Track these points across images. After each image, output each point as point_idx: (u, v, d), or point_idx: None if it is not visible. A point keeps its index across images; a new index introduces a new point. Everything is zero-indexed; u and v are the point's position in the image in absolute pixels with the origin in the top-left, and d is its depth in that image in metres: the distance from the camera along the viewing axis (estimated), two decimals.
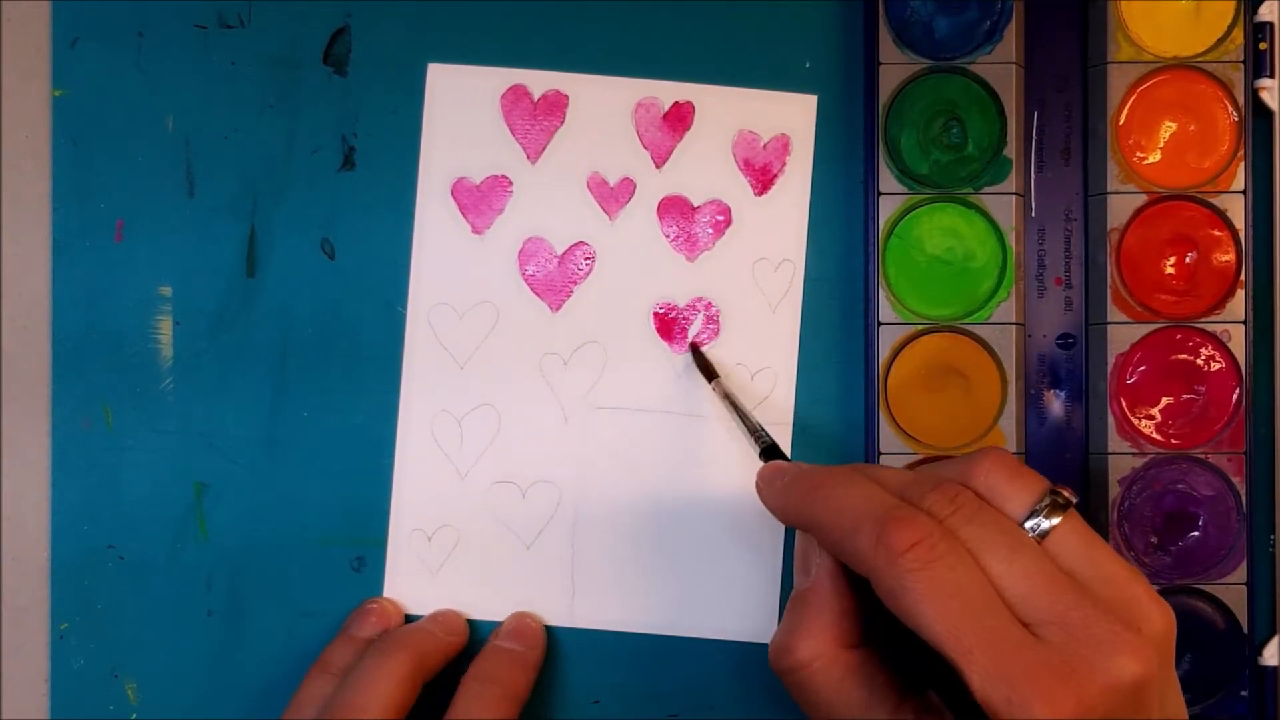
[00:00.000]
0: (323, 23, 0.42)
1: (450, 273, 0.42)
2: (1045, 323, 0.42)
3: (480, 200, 0.42)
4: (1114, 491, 0.40)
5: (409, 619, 0.42)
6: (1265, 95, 0.40)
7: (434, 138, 0.42)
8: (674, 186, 0.42)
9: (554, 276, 0.42)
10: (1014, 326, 0.40)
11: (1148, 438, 0.40)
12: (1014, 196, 0.40)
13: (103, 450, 0.42)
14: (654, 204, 0.42)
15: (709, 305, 0.42)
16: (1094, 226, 0.41)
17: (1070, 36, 0.42)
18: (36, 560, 0.42)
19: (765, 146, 0.42)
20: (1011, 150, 0.40)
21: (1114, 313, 0.40)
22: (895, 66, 0.40)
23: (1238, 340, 0.40)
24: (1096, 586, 0.30)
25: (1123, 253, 0.40)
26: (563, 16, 0.42)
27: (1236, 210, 0.40)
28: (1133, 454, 0.40)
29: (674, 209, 0.42)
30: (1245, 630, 0.40)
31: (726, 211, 0.42)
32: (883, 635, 0.33)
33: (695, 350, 0.41)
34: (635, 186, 0.42)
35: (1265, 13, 0.40)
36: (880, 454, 0.40)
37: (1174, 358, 0.40)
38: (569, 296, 0.42)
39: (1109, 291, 0.40)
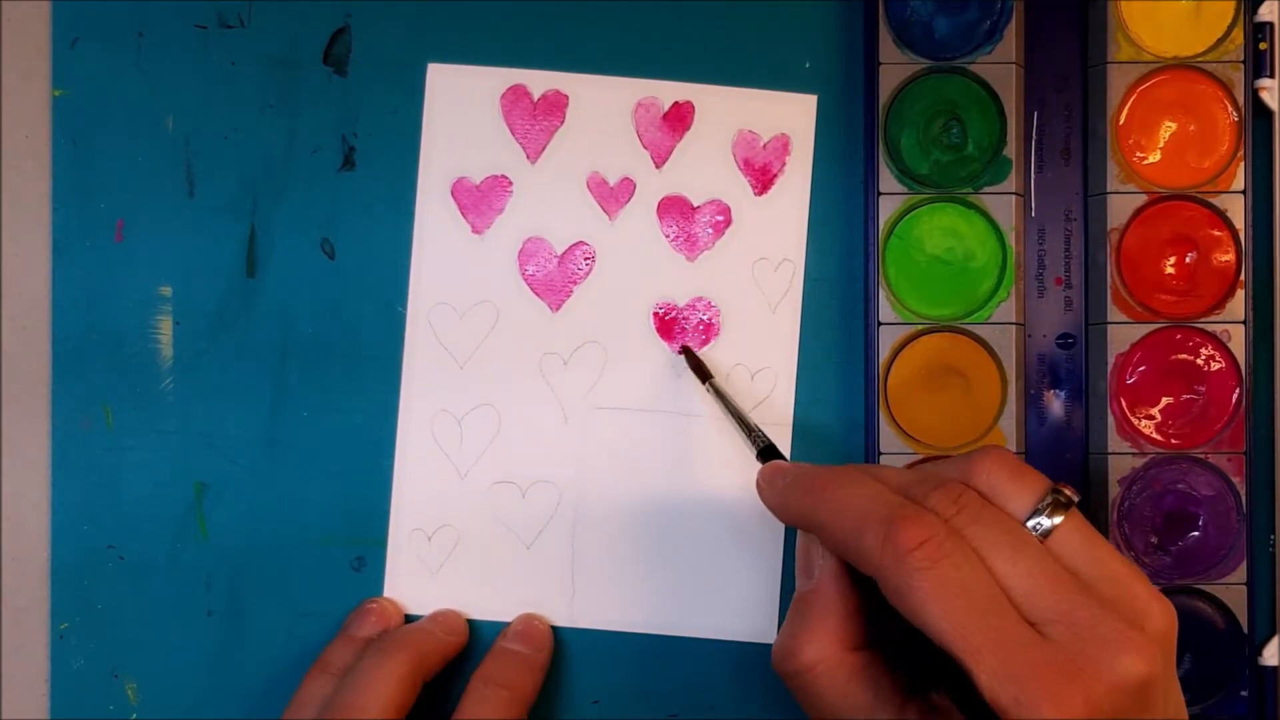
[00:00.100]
0: (323, 23, 0.42)
1: (450, 273, 0.42)
2: (1045, 323, 0.42)
3: (480, 200, 0.42)
4: (1114, 491, 0.40)
5: (409, 619, 0.42)
6: (1265, 95, 0.40)
7: (434, 138, 0.42)
8: (674, 186, 0.42)
9: (554, 276, 0.42)
10: (1014, 326, 0.40)
11: (1148, 438, 0.40)
12: (1014, 196, 0.40)
13: (103, 450, 0.42)
14: (654, 204, 0.42)
15: (709, 305, 0.42)
16: (1094, 226, 0.41)
17: (1070, 36, 0.42)
18: (36, 560, 0.42)
19: (765, 146, 0.42)
20: (1011, 150, 0.40)
21: (1114, 313, 0.40)
22: (895, 66, 0.40)
23: (1238, 340, 0.40)
24: (1099, 585, 0.30)
25: (1123, 253, 0.40)
26: (563, 16, 0.42)
27: (1236, 210, 0.40)
28: (1133, 454, 0.40)
29: (674, 209, 0.42)
30: (1245, 630, 0.40)
31: (726, 211, 0.42)
32: (887, 636, 0.33)
33: (687, 352, 0.41)
34: (635, 186, 0.42)
35: (1265, 13, 0.40)
36: (880, 454, 0.40)
37: (1174, 358, 0.40)
38: (569, 296, 0.42)
39: (1109, 291, 0.40)
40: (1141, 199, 0.40)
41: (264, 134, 0.42)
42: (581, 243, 0.42)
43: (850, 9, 0.42)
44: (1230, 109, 0.40)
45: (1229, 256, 0.40)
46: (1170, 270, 0.40)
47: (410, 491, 0.42)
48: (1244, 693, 0.40)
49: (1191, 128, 0.40)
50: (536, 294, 0.42)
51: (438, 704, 0.40)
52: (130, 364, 0.42)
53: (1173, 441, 0.40)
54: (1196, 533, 0.40)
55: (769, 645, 0.41)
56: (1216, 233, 0.40)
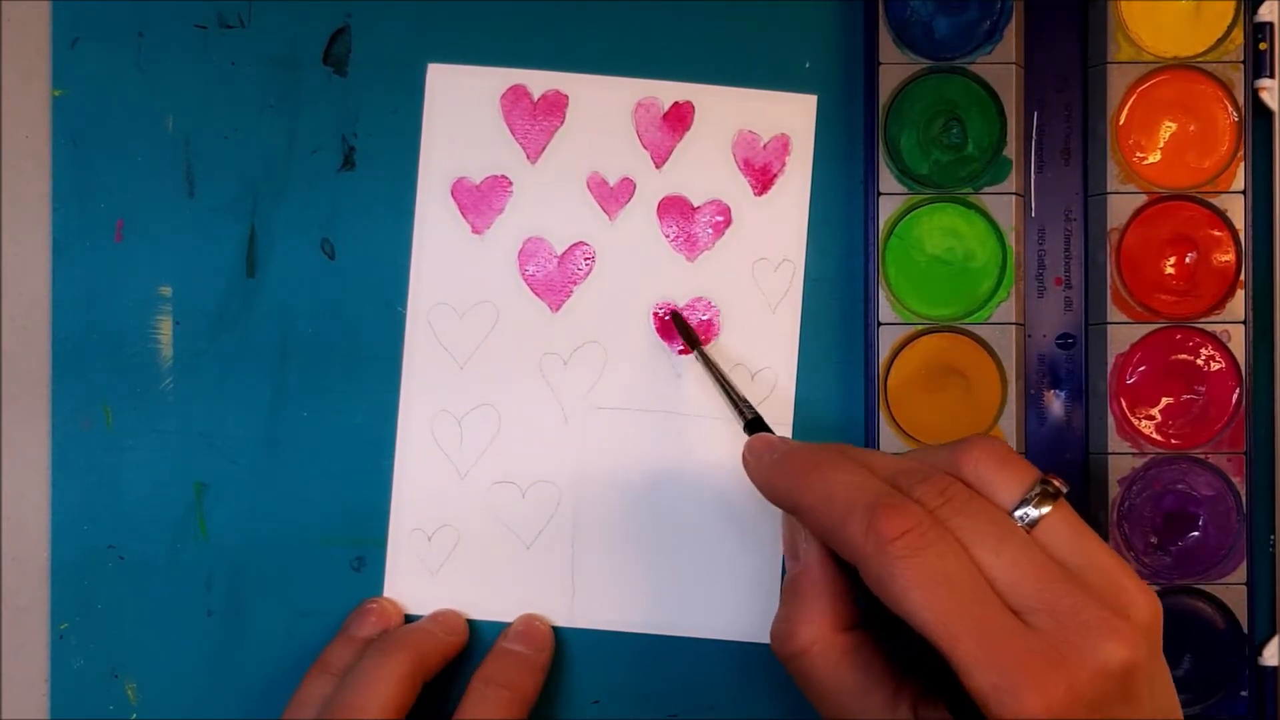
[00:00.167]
0: (323, 23, 0.42)
1: (450, 273, 0.42)
2: (1045, 323, 0.42)
3: (480, 200, 0.42)
4: (1114, 491, 0.40)
5: (409, 619, 0.42)
6: (1265, 95, 0.40)
7: (434, 138, 0.42)
8: (674, 186, 0.42)
9: (554, 276, 0.42)
10: (1014, 326, 0.40)
11: (1148, 438, 0.40)
12: (1014, 196, 0.40)
13: (103, 450, 0.42)
14: (654, 204, 0.42)
15: (709, 305, 0.42)
16: (1094, 226, 0.41)
17: (1070, 36, 0.42)
18: (36, 560, 0.42)
19: (765, 146, 0.42)
20: (1011, 150, 0.40)
21: (1114, 313, 0.40)
22: (895, 66, 0.40)
23: (1238, 340, 0.40)
24: (1085, 574, 0.30)
25: (1123, 253, 0.40)
26: (563, 16, 0.42)
27: (1236, 210, 0.40)
28: (1133, 454, 0.40)
29: (674, 209, 0.42)
30: (1245, 630, 0.40)
31: (726, 211, 0.42)
32: (879, 619, 0.33)
33: (677, 318, 0.41)
34: (635, 186, 0.42)
35: (1265, 13, 0.40)
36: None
37: (1174, 358, 0.40)
38: (569, 296, 0.42)
39: (1109, 291, 0.40)
40: (1141, 199, 0.40)
41: (264, 134, 0.42)
42: (581, 243, 0.42)
43: (850, 9, 0.42)
44: (1230, 109, 0.40)
45: (1229, 256, 0.40)
46: (1170, 270, 0.40)
47: (410, 491, 0.42)
48: (1244, 693, 0.40)
49: (1191, 128, 0.40)
50: (536, 294, 0.42)
51: (438, 704, 0.40)
52: (130, 364, 0.42)
53: (1173, 441, 0.40)
54: (1196, 533, 0.40)
55: (769, 645, 0.41)
56: (1216, 233, 0.40)
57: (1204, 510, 0.40)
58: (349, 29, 0.42)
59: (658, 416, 0.42)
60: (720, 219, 0.42)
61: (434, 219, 0.42)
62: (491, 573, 0.42)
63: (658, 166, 0.42)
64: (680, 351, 0.42)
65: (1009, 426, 0.40)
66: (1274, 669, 0.40)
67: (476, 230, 0.42)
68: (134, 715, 0.42)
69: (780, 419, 0.42)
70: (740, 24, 0.42)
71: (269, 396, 0.42)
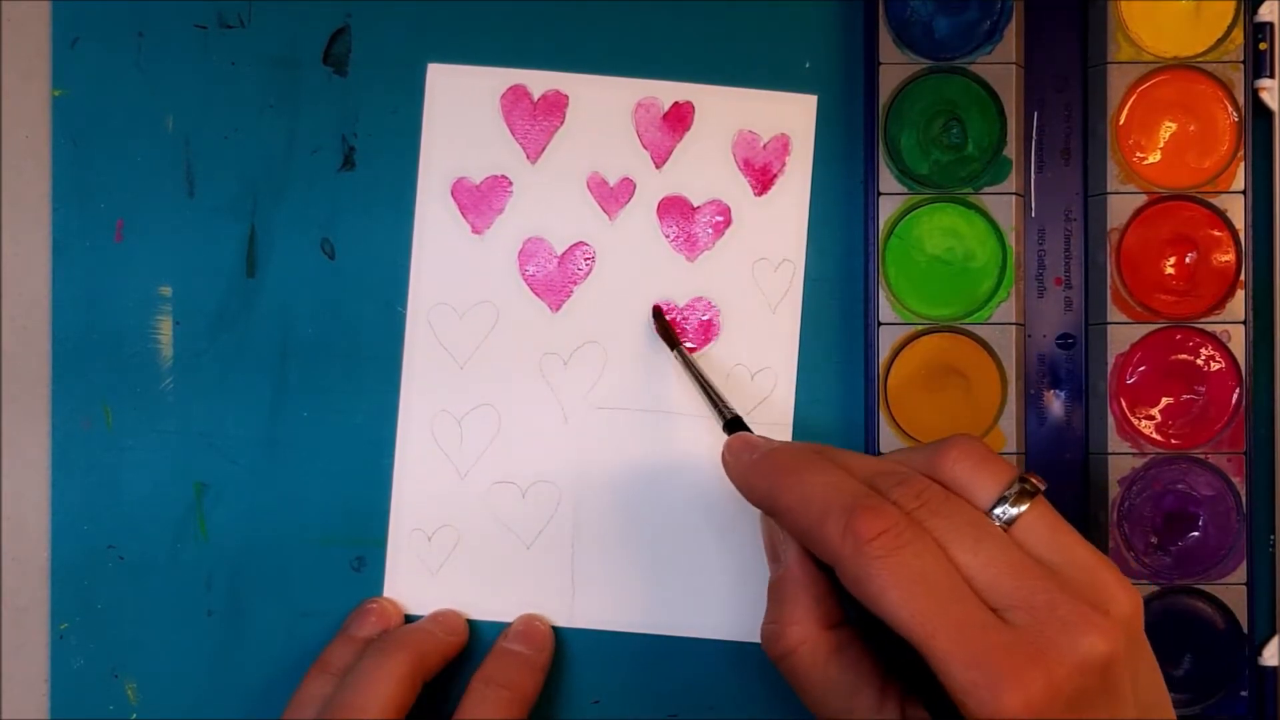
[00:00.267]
0: (323, 23, 0.42)
1: (450, 273, 0.42)
2: (1045, 323, 0.42)
3: (480, 200, 0.42)
4: (1114, 491, 0.40)
5: (409, 619, 0.41)
6: (1265, 95, 0.40)
7: (434, 138, 0.42)
8: (674, 186, 0.42)
9: (554, 276, 0.42)
10: (1014, 326, 0.40)
11: (1148, 438, 0.40)
12: (1014, 196, 0.40)
13: (103, 450, 0.42)
14: (654, 204, 0.42)
15: (709, 305, 0.42)
16: (1094, 226, 0.41)
17: (1070, 36, 0.42)
18: (36, 560, 0.42)
19: (765, 146, 0.42)
20: (1011, 150, 0.40)
21: (1114, 313, 0.40)
22: (895, 66, 0.40)
23: (1238, 340, 0.40)
24: (1064, 570, 0.30)
25: (1123, 253, 0.40)
26: (563, 16, 0.42)
27: (1236, 210, 0.40)
28: (1133, 454, 0.40)
29: (674, 209, 0.42)
30: (1245, 630, 0.40)
31: (726, 211, 0.42)
32: (862, 619, 0.33)
33: (658, 315, 0.41)
34: (635, 186, 0.42)
35: (1265, 13, 0.40)
36: (880, 454, 0.40)
37: (1174, 358, 0.40)
38: (569, 296, 0.42)
39: (1109, 291, 0.40)
40: (1141, 199, 0.40)
41: (264, 134, 0.42)
42: (581, 243, 0.42)
43: (850, 9, 0.42)
44: (1230, 109, 0.40)
45: (1229, 256, 0.40)
46: (1170, 270, 0.40)
47: (410, 491, 0.42)
48: (1244, 693, 0.40)
49: (1191, 128, 0.40)
50: (536, 294, 0.42)
51: (438, 704, 0.40)
52: (130, 364, 0.42)
53: (1173, 442, 0.40)
54: (1196, 533, 0.40)
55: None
56: (1216, 233, 0.40)
57: (1204, 510, 0.40)
58: (349, 29, 0.42)
59: (658, 417, 0.42)
60: (720, 219, 0.42)
61: (434, 219, 0.42)
62: (491, 573, 0.42)
63: (658, 166, 0.42)
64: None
65: (1009, 426, 0.40)
66: (1274, 669, 0.40)
67: (476, 230, 0.42)
68: (134, 715, 0.42)
69: (780, 419, 0.42)
70: (740, 24, 0.42)
71: (269, 396, 0.42)
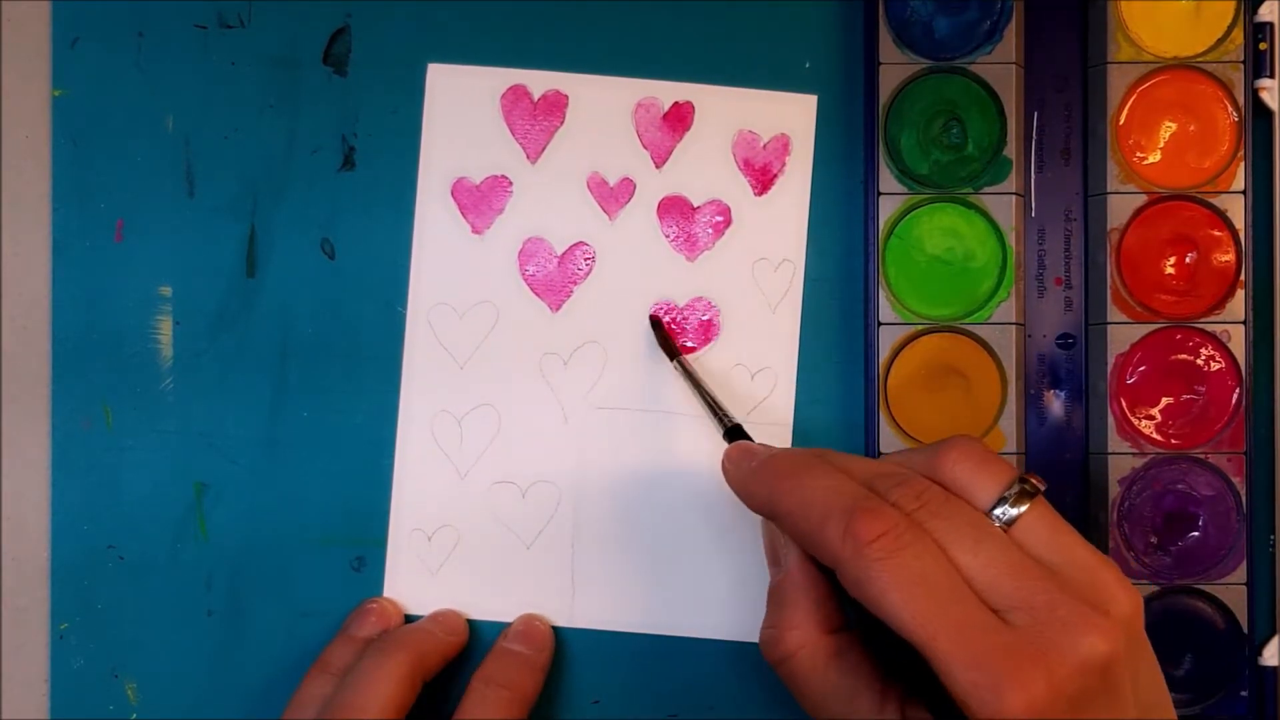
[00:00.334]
0: (323, 23, 0.42)
1: (450, 273, 0.42)
2: (1045, 323, 0.42)
3: (480, 200, 0.42)
4: (1114, 491, 0.40)
5: (409, 619, 0.41)
6: (1265, 95, 0.40)
7: (434, 138, 0.42)
8: (674, 186, 0.42)
9: (554, 276, 0.42)
10: (1014, 326, 0.40)
11: (1148, 438, 0.40)
12: (1014, 196, 0.40)
13: (103, 450, 0.42)
14: (654, 204, 0.42)
15: (709, 305, 0.42)
16: (1094, 226, 0.41)
17: (1070, 36, 0.42)
18: (36, 560, 0.42)
19: (765, 146, 0.42)
20: (1011, 150, 0.40)
21: (1114, 313, 0.40)
22: (895, 66, 0.40)
23: (1238, 340, 0.40)
24: (1065, 571, 0.30)
25: (1123, 253, 0.40)
26: (563, 16, 0.42)
27: (1236, 210, 0.40)
28: (1133, 454, 0.40)
29: (674, 209, 0.42)
30: (1245, 630, 0.40)
31: (726, 211, 0.42)
32: (863, 622, 0.33)
33: (656, 324, 0.41)
34: (635, 186, 0.42)
35: (1265, 13, 0.40)
36: (880, 454, 0.40)
37: (1174, 358, 0.40)
38: (569, 296, 0.42)
39: (1109, 291, 0.40)
40: (1141, 199, 0.40)
41: (264, 134, 0.42)
42: (581, 243, 0.42)
43: (850, 9, 0.42)
44: (1230, 109, 0.40)
45: (1229, 256, 0.40)
46: (1170, 270, 0.40)
47: (410, 491, 0.42)
48: (1244, 693, 0.40)
49: (1191, 128, 0.40)
50: (536, 294, 0.42)
51: (438, 704, 0.40)
52: (130, 364, 0.42)
53: (1173, 441, 0.40)
54: (1196, 533, 0.40)
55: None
56: (1216, 233, 0.40)
57: (1204, 510, 0.40)
58: (349, 29, 0.42)
59: (658, 417, 0.42)
60: (720, 219, 0.42)
61: (434, 219, 0.42)
62: (491, 573, 0.42)
63: (658, 166, 0.42)
64: (687, 351, 0.42)
65: (1009, 426, 0.40)
66: (1274, 669, 0.40)
67: (476, 230, 0.42)
68: (134, 715, 0.42)
69: (780, 419, 0.42)
70: (740, 24, 0.42)
71: (269, 396, 0.42)
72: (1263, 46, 0.40)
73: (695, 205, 0.42)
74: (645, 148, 0.42)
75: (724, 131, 0.42)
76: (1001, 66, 0.40)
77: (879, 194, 0.41)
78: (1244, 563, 0.40)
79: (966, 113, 0.40)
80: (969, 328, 0.40)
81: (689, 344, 0.42)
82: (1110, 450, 0.40)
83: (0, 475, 0.42)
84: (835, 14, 0.42)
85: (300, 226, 0.42)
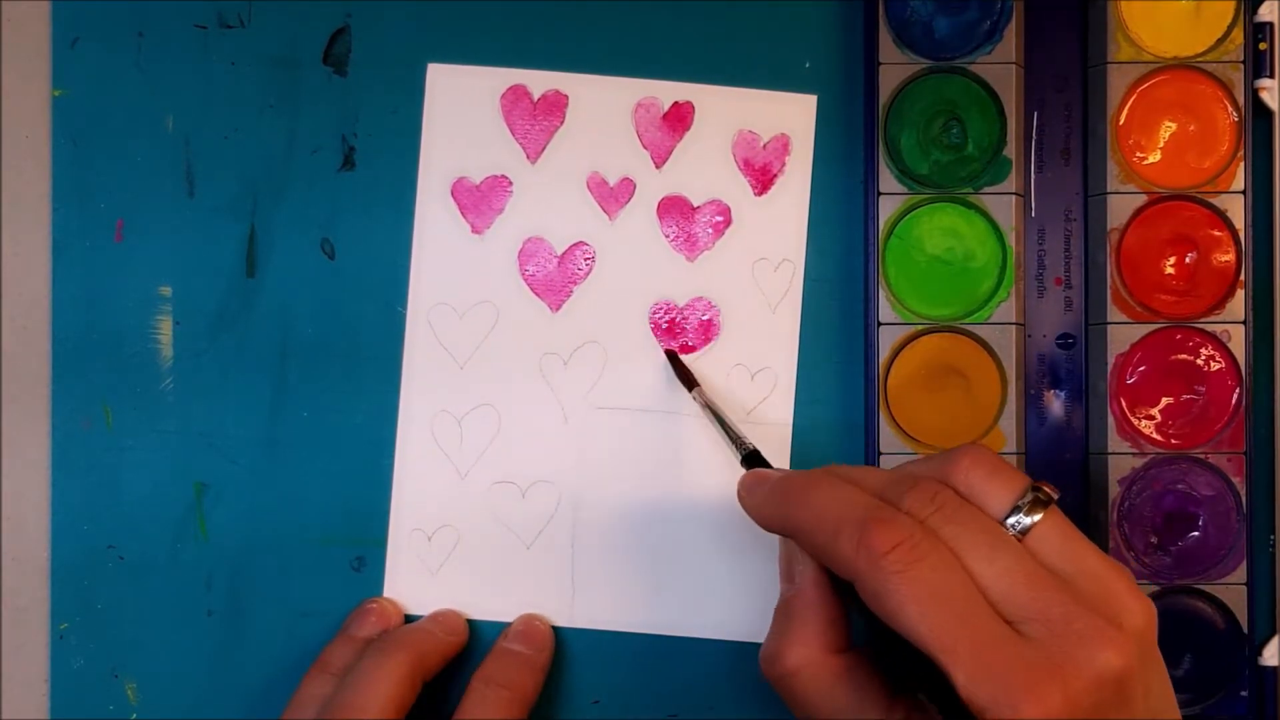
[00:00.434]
0: (323, 23, 0.42)
1: (450, 273, 0.42)
2: (1045, 323, 0.42)
3: (480, 200, 0.42)
4: (1114, 491, 0.40)
5: (409, 619, 0.41)
6: (1265, 95, 0.40)
7: (434, 138, 0.42)
8: (674, 186, 0.42)
9: (554, 276, 0.42)
10: (1014, 326, 0.40)
11: (1148, 438, 0.40)
12: (1014, 196, 0.40)
13: (103, 450, 0.42)
14: (654, 204, 0.42)
15: (709, 305, 0.42)
16: (1094, 226, 0.41)
17: (1070, 36, 0.42)
18: (36, 560, 0.42)
19: (765, 146, 0.42)
20: (1011, 150, 0.40)
21: (1114, 313, 0.40)
22: (895, 66, 0.40)
23: (1238, 340, 0.40)
24: (1078, 581, 0.30)
25: (1123, 253, 0.40)
26: (563, 16, 0.42)
27: (1236, 210, 0.40)
28: (1133, 454, 0.40)
29: (674, 209, 0.42)
30: (1245, 630, 0.40)
31: (726, 211, 0.42)
32: (872, 636, 0.33)
33: (672, 358, 0.41)
34: (635, 186, 0.42)
35: (1265, 13, 0.40)
36: (880, 454, 0.40)
37: (1174, 358, 0.40)
38: (569, 296, 0.42)
39: (1109, 291, 0.40)
40: (1141, 199, 0.40)
41: (264, 134, 0.42)
42: (581, 243, 0.42)
43: (850, 9, 0.42)
44: (1230, 109, 0.40)
45: (1229, 256, 0.40)
46: (1170, 270, 0.40)
47: (410, 491, 0.42)
48: (1244, 693, 0.40)
49: (1191, 128, 0.40)
50: (536, 294, 0.42)
51: (438, 704, 0.40)
52: (130, 364, 0.42)
53: (1173, 442, 0.40)
54: (1196, 533, 0.40)
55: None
56: (1216, 233, 0.40)
57: (1204, 510, 0.40)
58: (349, 29, 0.42)
59: (657, 416, 0.42)
60: (720, 219, 0.42)
61: (434, 219, 0.42)
62: (491, 573, 0.42)
63: (658, 166, 0.42)
64: (680, 350, 0.42)
65: (1009, 426, 0.40)
66: (1274, 669, 0.40)
67: (476, 230, 0.42)
68: (134, 715, 0.42)
69: (780, 419, 0.42)
70: (740, 24, 0.42)
71: (269, 396, 0.42)
72: (1263, 46, 0.40)
73: (695, 205, 0.42)
74: (645, 148, 0.42)
75: (724, 131, 0.42)
76: (1001, 66, 0.40)
77: (879, 194, 0.41)
78: (1244, 563, 0.40)
79: (966, 113, 0.40)
80: (969, 328, 0.40)
81: (689, 344, 0.42)
82: (1110, 450, 0.40)
83: (0, 475, 0.42)
84: (835, 14, 0.42)
85: (300, 226, 0.42)
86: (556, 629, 0.41)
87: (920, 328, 0.40)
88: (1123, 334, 0.40)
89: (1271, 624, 0.41)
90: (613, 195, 0.42)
